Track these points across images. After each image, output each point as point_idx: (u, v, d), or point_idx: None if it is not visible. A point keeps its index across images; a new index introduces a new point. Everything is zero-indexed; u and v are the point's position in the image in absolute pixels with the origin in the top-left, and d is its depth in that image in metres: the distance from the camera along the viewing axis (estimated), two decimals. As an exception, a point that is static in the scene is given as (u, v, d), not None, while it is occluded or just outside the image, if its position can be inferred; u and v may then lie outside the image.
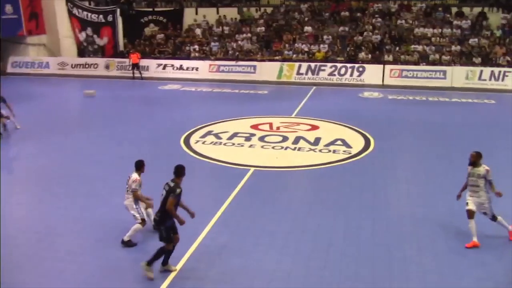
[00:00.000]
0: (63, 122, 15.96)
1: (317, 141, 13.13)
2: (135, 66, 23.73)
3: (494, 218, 7.56)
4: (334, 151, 12.28)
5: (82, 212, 8.79)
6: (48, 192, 9.85)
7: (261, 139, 13.38)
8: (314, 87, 21.61)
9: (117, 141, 13.40)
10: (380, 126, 14.59)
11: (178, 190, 6.50)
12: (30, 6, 26.31)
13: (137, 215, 7.63)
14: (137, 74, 23.85)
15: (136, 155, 11.89)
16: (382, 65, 22.42)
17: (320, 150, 12.40)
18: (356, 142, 13.00)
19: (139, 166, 7.72)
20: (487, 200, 7.46)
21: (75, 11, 25.95)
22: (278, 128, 14.59)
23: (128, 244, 7.51)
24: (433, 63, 22.45)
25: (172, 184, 6.55)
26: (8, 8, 25.38)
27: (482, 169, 7.40)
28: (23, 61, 26.69)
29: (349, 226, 8.16)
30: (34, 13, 26.70)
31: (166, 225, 6.59)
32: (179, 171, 6.68)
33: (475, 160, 7.48)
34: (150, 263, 6.64)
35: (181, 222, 6.61)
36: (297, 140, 13.24)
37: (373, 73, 22.24)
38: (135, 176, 7.64)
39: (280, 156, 12.03)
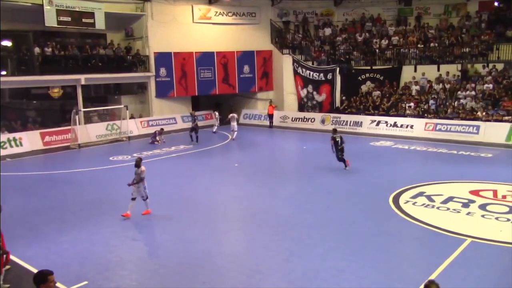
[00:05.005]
0: (279, 168, 17.40)
1: (556, 217, 11.02)
2: (271, 116, 28.10)
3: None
4: None
5: (289, 256, 9.25)
6: (259, 232, 10.66)
7: (482, 207, 11.91)
8: (556, 153, 18.39)
9: (326, 191, 13.83)
10: None
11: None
12: (263, 66, 30.44)
13: None
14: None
15: (343, 208, 12.20)
16: None
17: (560, 229, 10.34)
18: None
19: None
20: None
21: (299, 70, 28.52)
22: (504, 196, 12.79)
23: None
24: None
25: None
26: (246, 68, 29.87)
27: None
28: (252, 113, 30.53)
29: None
30: (266, 73, 30.69)
31: None
32: None
33: None
34: None
35: None
36: (528, 213, 11.37)
37: None
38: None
39: (506, 229, 10.45)
